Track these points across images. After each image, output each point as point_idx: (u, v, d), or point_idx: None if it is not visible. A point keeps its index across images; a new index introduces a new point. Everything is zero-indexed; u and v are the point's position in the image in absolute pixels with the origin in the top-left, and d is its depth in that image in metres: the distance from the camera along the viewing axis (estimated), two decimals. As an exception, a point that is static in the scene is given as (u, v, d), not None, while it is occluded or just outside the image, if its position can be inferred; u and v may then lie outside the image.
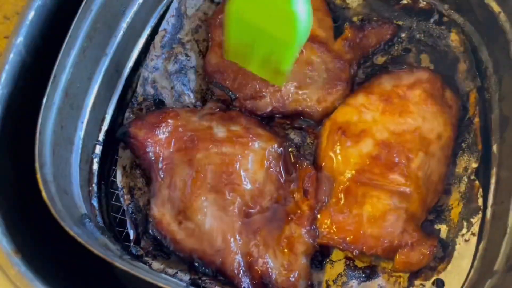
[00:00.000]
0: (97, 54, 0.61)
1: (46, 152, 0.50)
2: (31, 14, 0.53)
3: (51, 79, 0.51)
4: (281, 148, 0.63)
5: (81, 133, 0.59)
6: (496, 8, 0.63)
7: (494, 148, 0.61)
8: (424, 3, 0.70)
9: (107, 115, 0.65)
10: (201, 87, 0.70)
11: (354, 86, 0.68)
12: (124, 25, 0.64)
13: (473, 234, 0.58)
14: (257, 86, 0.66)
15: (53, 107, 0.53)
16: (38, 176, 0.48)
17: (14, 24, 0.54)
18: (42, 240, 0.51)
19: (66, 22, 0.55)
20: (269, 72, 0.58)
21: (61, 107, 0.54)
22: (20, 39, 0.52)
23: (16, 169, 0.52)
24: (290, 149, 0.64)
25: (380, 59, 0.70)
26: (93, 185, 0.61)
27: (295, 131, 0.67)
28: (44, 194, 0.46)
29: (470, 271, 0.56)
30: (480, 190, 0.60)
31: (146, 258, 0.59)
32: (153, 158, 0.61)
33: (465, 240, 0.58)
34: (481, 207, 0.59)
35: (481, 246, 0.56)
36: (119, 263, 0.45)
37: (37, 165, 0.48)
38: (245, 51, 0.56)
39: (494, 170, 0.60)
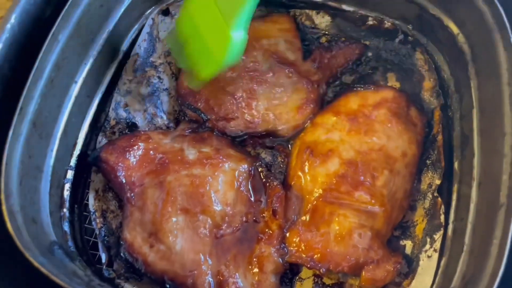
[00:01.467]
0: (66, 83, 0.62)
1: (13, 183, 0.51)
2: (-2, 47, 0.54)
3: (17, 111, 0.52)
4: (251, 168, 0.64)
5: (51, 160, 0.60)
6: (455, 29, 0.64)
7: (456, 165, 0.63)
8: (389, 24, 0.72)
9: (78, 140, 0.66)
10: (174, 109, 0.71)
11: (323, 105, 0.70)
12: (94, 52, 0.65)
13: (435, 250, 0.59)
14: (229, 108, 0.67)
15: (20, 138, 0.53)
16: (4, 207, 0.49)
17: None
18: (9, 270, 0.52)
19: (35, 53, 0.56)
20: (192, 71, 0.63)
21: (29, 138, 0.55)
22: (-13, 72, 0.53)
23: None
24: (260, 169, 0.65)
25: (348, 78, 0.72)
26: (65, 209, 0.62)
27: (266, 150, 0.68)
28: (9, 225, 0.47)
29: (432, 287, 0.57)
30: (443, 206, 0.61)
31: (118, 281, 0.60)
32: (124, 181, 0.62)
33: (428, 256, 0.59)
34: (443, 224, 0.60)
35: (442, 263, 0.58)
36: (83, 292, 0.46)
37: (2, 196, 0.49)
38: (183, 44, 0.61)
39: (455, 187, 0.62)
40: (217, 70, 0.59)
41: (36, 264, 0.45)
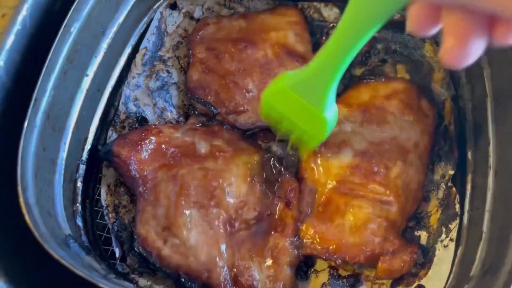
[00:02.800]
0: (78, 76, 0.61)
1: (29, 176, 0.51)
2: (10, 39, 0.54)
3: (32, 103, 0.52)
4: (263, 161, 0.64)
5: (63, 154, 0.59)
6: (466, 19, 0.64)
7: (469, 155, 0.63)
8: (398, 15, 0.72)
9: (89, 134, 0.66)
10: (183, 103, 0.71)
11: (333, 98, 0.70)
12: (104, 45, 0.65)
13: (451, 240, 0.59)
14: (239, 101, 0.67)
15: (34, 130, 0.53)
16: (21, 200, 0.48)
17: None
18: (27, 264, 0.51)
19: (46, 44, 0.56)
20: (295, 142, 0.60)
21: (43, 130, 0.54)
22: (0, 64, 0.53)
23: (-1, 193, 0.52)
24: (272, 162, 0.65)
25: (357, 71, 0.72)
26: (77, 204, 0.61)
27: (278, 143, 0.68)
28: (27, 217, 0.47)
29: (449, 276, 0.57)
30: (457, 196, 0.61)
31: (132, 275, 0.60)
32: (136, 175, 0.62)
33: (444, 246, 0.59)
34: (458, 213, 0.60)
35: (459, 252, 0.58)
36: (103, 284, 0.45)
37: (19, 188, 0.49)
38: (276, 124, 0.58)
39: (469, 177, 0.62)
40: (319, 143, 0.58)
41: (56, 256, 0.45)
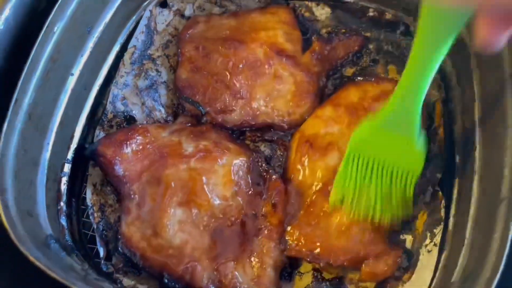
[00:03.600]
0: (62, 75, 0.61)
1: (8, 177, 0.51)
2: (-7, 39, 0.54)
3: (12, 103, 0.52)
4: (250, 162, 0.64)
5: (47, 154, 0.60)
6: (457, 21, 0.63)
7: (457, 158, 0.62)
8: (390, 15, 0.71)
9: (75, 133, 0.66)
10: (172, 102, 0.70)
11: (323, 98, 0.69)
12: (90, 44, 0.65)
13: (435, 244, 0.58)
14: (227, 100, 0.67)
15: (15, 131, 0.53)
16: (-1, 201, 0.49)
17: None
18: (4, 264, 0.52)
19: (30, 44, 0.56)
20: (390, 208, 0.57)
21: (24, 131, 0.54)
22: (-18, 63, 0.53)
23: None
24: (259, 162, 0.65)
25: (349, 71, 0.71)
26: (62, 203, 0.62)
27: (266, 143, 0.68)
28: (3, 218, 0.47)
29: (432, 281, 0.56)
30: (443, 200, 0.60)
31: (117, 275, 0.60)
32: (121, 175, 0.62)
33: (428, 251, 0.59)
34: (443, 218, 0.59)
35: (442, 257, 0.57)
36: (79, 286, 0.45)
37: (-3, 190, 0.49)
38: (358, 189, 0.56)
39: (456, 181, 0.61)
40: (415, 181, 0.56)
41: (31, 258, 0.45)
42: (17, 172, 0.52)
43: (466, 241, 0.53)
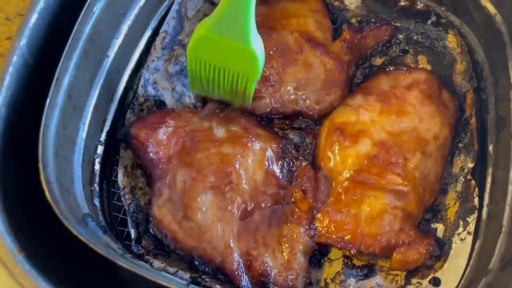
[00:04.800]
0: (99, 56, 0.62)
1: (49, 153, 0.51)
2: (34, 17, 0.54)
3: (54, 81, 0.52)
4: (280, 148, 0.64)
5: (83, 134, 0.60)
6: (492, 10, 0.63)
7: (490, 148, 0.62)
8: (422, 5, 0.71)
9: (108, 115, 0.66)
10: (201, 88, 0.70)
11: (352, 87, 0.69)
12: (125, 27, 0.65)
13: (469, 233, 0.58)
14: (257, 87, 0.67)
15: (56, 109, 0.53)
16: (42, 176, 0.49)
17: (16, 25, 0.54)
18: (46, 239, 0.52)
19: (68, 24, 0.56)
20: (234, 97, 0.63)
21: (64, 109, 0.55)
22: (23, 42, 0.53)
23: (19, 170, 0.53)
24: (289, 149, 0.65)
25: (378, 60, 0.71)
26: (95, 184, 0.62)
27: (294, 131, 0.68)
28: (47, 194, 0.47)
29: (466, 269, 0.56)
30: (476, 189, 0.60)
31: (147, 257, 0.60)
32: (154, 158, 0.62)
33: (461, 239, 0.59)
34: (477, 207, 0.59)
35: (476, 245, 0.57)
36: (121, 262, 0.45)
37: (40, 165, 0.49)
38: (208, 85, 0.61)
39: (490, 170, 0.61)
40: (256, 82, 0.59)
41: (74, 232, 0.45)
42: (57, 149, 0.53)
43: (503, 229, 0.53)
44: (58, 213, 0.46)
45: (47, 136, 0.52)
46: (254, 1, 0.48)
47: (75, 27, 0.54)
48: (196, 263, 0.59)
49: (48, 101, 0.52)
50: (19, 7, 0.70)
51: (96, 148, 0.63)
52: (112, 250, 0.51)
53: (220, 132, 0.64)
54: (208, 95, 0.64)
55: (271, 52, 0.67)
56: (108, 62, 0.63)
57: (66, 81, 0.54)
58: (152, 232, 0.60)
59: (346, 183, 0.61)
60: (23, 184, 0.52)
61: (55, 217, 0.47)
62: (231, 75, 0.57)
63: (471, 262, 0.56)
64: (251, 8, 0.49)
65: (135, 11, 0.66)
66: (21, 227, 0.49)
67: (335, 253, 0.62)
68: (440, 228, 0.61)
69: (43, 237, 0.51)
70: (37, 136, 0.51)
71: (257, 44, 0.53)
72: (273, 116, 0.68)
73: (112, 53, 0.64)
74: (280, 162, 0.64)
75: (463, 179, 0.63)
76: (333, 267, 0.61)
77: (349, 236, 0.59)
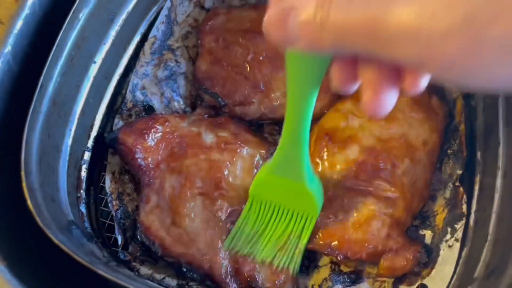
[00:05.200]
0: (85, 62, 0.61)
1: (33, 161, 0.51)
2: (19, 23, 0.53)
3: (38, 88, 0.52)
4: (269, 154, 0.64)
5: (69, 140, 0.60)
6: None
7: (478, 155, 0.62)
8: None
9: (96, 121, 0.66)
10: (191, 93, 0.70)
11: (342, 92, 0.69)
12: (113, 33, 0.65)
13: (456, 240, 0.58)
14: (246, 93, 0.67)
15: (40, 116, 0.53)
16: (24, 184, 0.48)
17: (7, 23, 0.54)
18: (28, 248, 0.52)
19: (54, 31, 0.56)
20: (280, 254, 0.58)
21: (48, 116, 0.54)
22: (8, 49, 0.53)
23: (2, 177, 0.53)
24: (278, 155, 0.64)
25: (368, 65, 0.71)
26: (81, 191, 0.62)
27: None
28: (29, 202, 0.47)
29: (452, 277, 0.56)
30: (464, 196, 0.60)
31: (134, 264, 0.60)
32: (142, 164, 0.62)
33: (449, 246, 0.58)
34: (465, 214, 0.59)
35: (464, 253, 0.57)
36: (102, 271, 0.45)
37: (22, 174, 0.49)
38: (254, 238, 0.58)
39: (478, 177, 0.61)
40: (313, 222, 0.58)
41: (56, 241, 0.45)
42: (41, 157, 0.52)
43: (489, 237, 0.53)
44: (39, 222, 0.46)
45: (31, 143, 0.51)
46: (307, 144, 0.51)
47: (60, 34, 0.54)
48: (184, 269, 0.59)
49: (31, 108, 0.51)
50: (12, 10, 0.70)
51: (82, 154, 0.63)
52: (96, 258, 0.50)
53: (209, 138, 0.64)
54: (248, 253, 0.58)
55: (261, 58, 0.68)
56: (95, 67, 0.63)
57: (50, 87, 0.54)
58: (140, 239, 0.60)
59: (334, 189, 0.61)
60: (5, 191, 0.52)
61: (38, 225, 0.47)
62: (289, 214, 0.58)
63: (457, 270, 0.56)
64: (304, 150, 0.51)
65: (123, 16, 0.66)
66: (2, 235, 0.48)
67: (322, 260, 0.61)
68: (428, 234, 0.61)
69: (25, 245, 0.51)
70: (20, 144, 0.51)
71: (312, 183, 0.55)
72: (262, 122, 0.67)
73: (99, 59, 0.63)
74: (268, 168, 0.63)
75: (451, 186, 0.62)
76: (320, 273, 0.61)
77: (336, 242, 0.59)
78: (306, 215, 0.58)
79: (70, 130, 0.60)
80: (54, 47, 0.53)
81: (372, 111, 0.35)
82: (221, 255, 0.58)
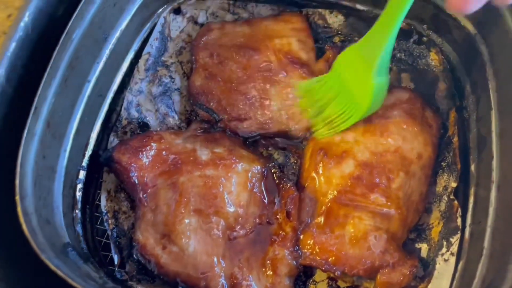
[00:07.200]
0: (79, 82, 0.61)
1: (28, 184, 0.51)
2: (12, 46, 0.53)
3: (32, 111, 0.52)
4: (264, 169, 0.64)
5: (64, 161, 0.60)
6: (472, 30, 0.64)
7: (472, 167, 0.62)
8: (404, 24, 0.71)
9: (90, 140, 0.66)
10: (185, 108, 0.70)
11: (337, 106, 0.69)
12: (107, 51, 0.65)
13: (452, 254, 0.58)
14: (241, 108, 0.67)
15: (34, 138, 0.53)
16: (19, 208, 0.48)
17: (0, 44, 0.54)
18: (24, 270, 0.51)
19: (48, 51, 0.56)
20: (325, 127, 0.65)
21: (43, 138, 0.54)
22: (1, 71, 0.53)
23: (-3, 201, 0.53)
24: (273, 170, 0.65)
25: (362, 79, 0.71)
26: (77, 211, 0.62)
27: (279, 151, 0.68)
28: (24, 227, 0.47)
29: (449, 291, 0.56)
30: (459, 209, 0.60)
31: (130, 283, 0.60)
32: (137, 182, 0.62)
33: (445, 260, 0.59)
34: (460, 227, 0.59)
35: (459, 266, 0.57)
36: (98, 295, 0.45)
37: (17, 198, 0.49)
38: (319, 105, 0.64)
39: (472, 190, 0.61)
40: (357, 119, 0.62)
41: (52, 267, 0.45)
42: (36, 179, 0.52)
43: (484, 251, 0.53)
44: (35, 246, 0.46)
45: (25, 166, 0.51)
46: (393, 39, 0.56)
47: (54, 56, 0.54)
48: (180, 287, 0.58)
49: (26, 131, 0.51)
50: (5, 26, 0.70)
51: (78, 174, 0.63)
52: (92, 281, 0.50)
53: (204, 154, 0.63)
54: (313, 106, 0.65)
55: (255, 73, 0.68)
56: (89, 86, 0.63)
57: (45, 109, 0.54)
58: (136, 257, 0.60)
59: (330, 204, 0.61)
60: (1, 215, 0.51)
61: (34, 249, 0.47)
62: (345, 100, 0.61)
63: (454, 284, 0.56)
64: (389, 42, 0.56)
65: (117, 34, 0.66)
66: (-1, 259, 0.48)
67: (319, 275, 0.62)
68: (424, 248, 0.61)
69: (22, 269, 0.51)
70: (15, 167, 0.51)
71: (381, 77, 0.59)
72: (258, 137, 0.68)
73: (93, 78, 0.64)
74: (264, 183, 0.63)
75: (446, 199, 0.63)
76: (318, 289, 0.61)
77: (333, 258, 0.59)
78: (355, 107, 0.61)
79: (65, 150, 0.60)
80: (48, 69, 0.54)
81: (457, 6, 0.36)
82: (217, 273, 0.58)
